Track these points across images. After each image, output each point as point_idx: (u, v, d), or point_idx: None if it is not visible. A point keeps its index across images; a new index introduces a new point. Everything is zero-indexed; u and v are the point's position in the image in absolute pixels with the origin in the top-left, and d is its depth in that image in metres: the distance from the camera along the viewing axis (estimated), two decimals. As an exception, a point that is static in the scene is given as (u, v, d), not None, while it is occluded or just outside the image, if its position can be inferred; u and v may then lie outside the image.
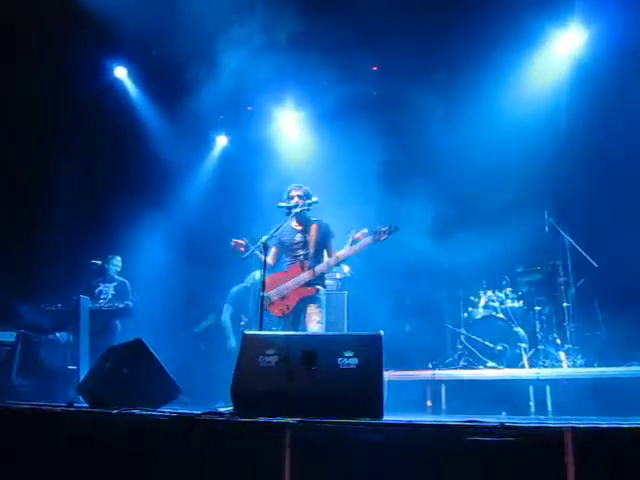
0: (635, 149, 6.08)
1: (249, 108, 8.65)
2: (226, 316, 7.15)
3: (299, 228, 5.41)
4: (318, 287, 5.22)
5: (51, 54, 7.07)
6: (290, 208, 4.95)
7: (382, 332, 3.46)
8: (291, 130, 8.58)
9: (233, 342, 6.93)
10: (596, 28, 6.73)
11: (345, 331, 6.39)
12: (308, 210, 4.97)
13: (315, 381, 3.33)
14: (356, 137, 7.81)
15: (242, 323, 6.94)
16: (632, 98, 6.33)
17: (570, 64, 6.99)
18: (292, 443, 2.94)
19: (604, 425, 2.43)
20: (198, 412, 3.38)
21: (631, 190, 6.28)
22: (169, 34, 7.12)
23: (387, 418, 3.45)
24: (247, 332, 3.66)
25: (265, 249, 4.56)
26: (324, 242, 5.34)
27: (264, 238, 4.61)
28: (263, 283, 4.50)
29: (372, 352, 3.38)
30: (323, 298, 5.23)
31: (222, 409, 3.78)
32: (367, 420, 3.07)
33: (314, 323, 4.92)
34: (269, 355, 3.47)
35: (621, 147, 6.41)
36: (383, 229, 5.12)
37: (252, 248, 4.80)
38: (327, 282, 5.58)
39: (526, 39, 7.02)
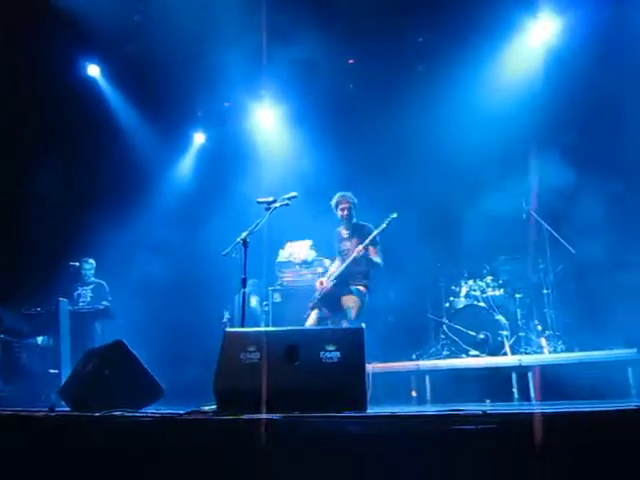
0: (607, 136, 6.15)
1: (227, 104, 8.59)
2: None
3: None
4: None
5: (22, 52, 6.94)
6: (269, 204, 4.92)
7: (364, 325, 3.47)
8: (269, 125, 8.53)
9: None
10: (568, 17, 6.79)
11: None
12: (287, 206, 4.95)
13: (298, 376, 3.33)
14: (334, 131, 7.83)
15: (224, 320, 6.91)
16: (602, 86, 6.40)
17: (544, 53, 7.03)
18: (276, 439, 2.93)
19: (585, 409, 2.46)
20: (181, 412, 3.36)
21: (606, 178, 6.35)
22: (143, 31, 7.04)
23: (371, 410, 3.46)
24: (228, 329, 3.65)
25: (245, 245, 4.53)
26: None
27: (244, 234, 4.59)
28: (244, 280, 4.48)
29: (354, 345, 3.39)
30: None
31: (206, 407, 3.77)
32: (351, 413, 3.08)
33: None
34: (251, 352, 3.46)
35: (595, 136, 6.48)
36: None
37: (232, 245, 4.77)
38: (308, 276, 5.69)
39: (501, 28, 7.06)
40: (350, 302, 5.85)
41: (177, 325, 7.61)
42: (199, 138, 9.07)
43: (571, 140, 6.70)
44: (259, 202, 5.01)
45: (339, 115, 7.95)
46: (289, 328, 3.59)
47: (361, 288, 6.02)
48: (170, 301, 7.71)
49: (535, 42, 7.11)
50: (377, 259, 5.97)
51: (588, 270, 6.37)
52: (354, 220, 6.18)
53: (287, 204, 4.97)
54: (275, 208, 4.91)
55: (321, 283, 6.08)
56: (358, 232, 6.10)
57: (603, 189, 6.39)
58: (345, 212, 6.10)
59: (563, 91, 6.72)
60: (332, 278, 6.04)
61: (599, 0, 6.49)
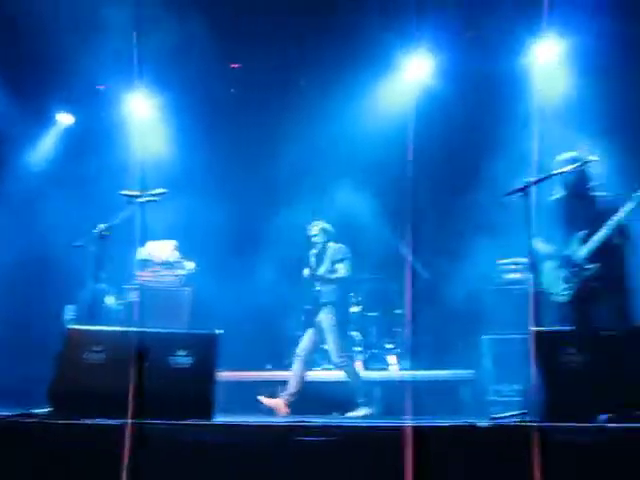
0: (472, 169, 6.67)
1: (101, 87, 8.10)
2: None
3: None
4: None
5: None
6: (134, 197, 4.68)
7: (220, 331, 3.41)
8: (144, 117, 8.15)
9: None
10: (441, 58, 7.30)
11: (186, 330, 6.20)
12: (154, 202, 4.74)
13: (145, 380, 3.18)
14: (210, 131, 7.69)
15: (69, 317, 6.43)
16: (473, 122, 6.96)
17: (418, 88, 7.48)
18: (117, 445, 2.78)
19: (424, 424, 2.61)
20: (7, 414, 3.08)
21: (464, 209, 6.87)
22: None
23: (221, 419, 3.41)
24: (71, 327, 3.40)
25: (102, 239, 4.27)
26: None
27: (101, 227, 4.32)
28: (96, 275, 4.21)
29: (207, 351, 3.33)
30: None
31: (38, 411, 3.47)
32: (196, 421, 3.01)
33: None
34: (96, 352, 3.26)
35: (460, 167, 7.00)
36: None
37: (85, 238, 4.47)
38: (168, 278, 5.47)
39: (380, 61, 7.39)
40: None
41: (11, 319, 6.93)
42: (65, 119, 8.41)
43: (437, 171, 7.16)
44: (123, 195, 4.75)
45: (217, 117, 7.83)
46: (140, 329, 3.42)
47: None
48: (7, 292, 7.02)
49: (410, 78, 7.54)
50: None
51: (438, 294, 6.81)
52: None
53: (154, 200, 4.77)
54: (140, 203, 4.68)
55: None
56: None
57: (461, 217, 6.88)
58: None
59: (433, 124, 7.20)
60: None
61: (468, 46, 7.06)
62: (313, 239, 6.00)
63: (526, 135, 6.32)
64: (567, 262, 4.36)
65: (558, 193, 4.61)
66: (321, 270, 5.85)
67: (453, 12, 6.78)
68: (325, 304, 5.78)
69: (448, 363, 6.45)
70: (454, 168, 7.07)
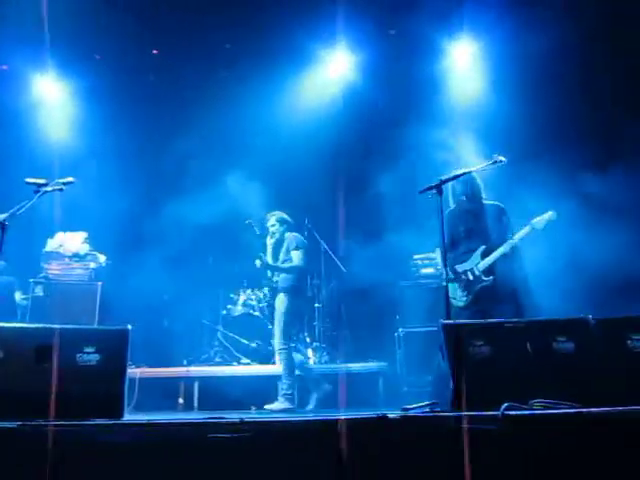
0: (388, 165, 6.82)
1: (4, 67, 7.57)
2: None
3: None
4: None
5: None
6: (39, 186, 4.41)
7: (130, 326, 3.28)
8: (53, 100, 7.70)
9: None
10: (362, 55, 7.41)
11: (95, 325, 5.95)
12: (61, 191, 4.48)
13: (48, 379, 3.01)
14: (127, 118, 7.39)
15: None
16: (391, 119, 7.09)
17: (339, 83, 7.56)
18: (13, 450, 2.62)
19: (336, 417, 2.63)
20: None
21: (382, 203, 6.99)
22: None
23: (130, 417, 3.29)
24: (-34, 324, 3.17)
25: (2, 229, 3.98)
26: None
27: (2, 216, 4.03)
28: None
29: (116, 348, 3.19)
30: None
31: None
32: (104, 420, 2.89)
33: None
34: (-8, 350, 3.05)
35: (377, 163, 7.12)
36: None
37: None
38: (78, 271, 5.21)
39: (302, 56, 7.41)
40: None
41: None
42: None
43: (356, 165, 7.25)
44: (27, 183, 4.46)
45: (134, 103, 7.53)
46: (42, 326, 3.24)
47: None
48: None
49: (332, 73, 7.60)
50: None
51: (355, 288, 6.92)
52: None
53: (61, 189, 4.51)
54: (46, 192, 4.42)
55: None
56: None
57: (380, 212, 7.01)
58: None
59: (354, 119, 7.30)
60: None
61: (387, 45, 7.22)
62: (271, 229, 5.99)
63: (442, 134, 6.57)
64: (466, 273, 4.89)
65: (452, 205, 5.04)
66: (280, 259, 5.88)
67: (375, 9, 6.90)
68: (279, 290, 5.81)
69: (365, 356, 6.57)
70: (371, 163, 7.20)
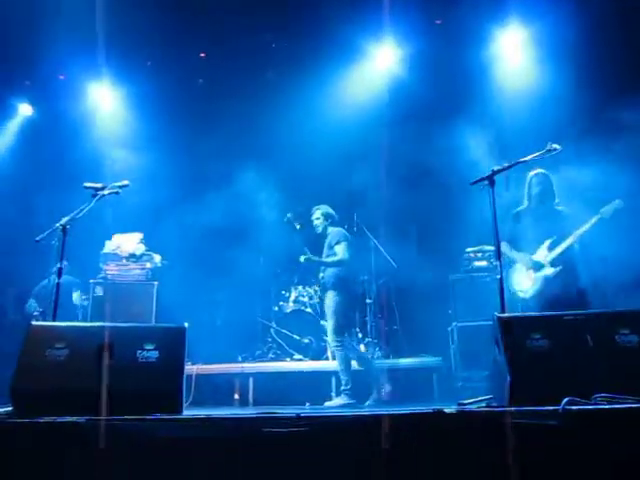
0: (441, 158, 6.73)
1: (61, 77, 7.88)
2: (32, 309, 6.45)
3: None
4: None
5: None
6: (97, 190, 4.58)
7: (187, 324, 3.36)
8: (108, 107, 7.97)
9: None
10: (408, 48, 7.32)
11: (153, 323, 6.12)
12: (117, 194, 4.64)
13: (110, 376, 3.12)
14: (178, 122, 7.56)
15: (36, 313, 6.29)
16: (441, 109, 6.98)
17: (387, 77, 7.50)
18: (81, 443, 2.72)
19: (391, 412, 2.62)
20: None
21: (432, 197, 6.91)
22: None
23: (188, 413, 3.37)
24: (34, 323, 3.31)
25: (64, 232, 4.16)
26: None
27: (64, 220, 4.21)
28: (60, 270, 4.11)
29: (174, 345, 3.27)
30: None
31: (1, 409, 3.38)
32: (164, 416, 2.96)
33: None
34: (59, 348, 3.18)
35: (430, 157, 7.04)
36: None
37: (47, 231, 4.35)
38: (135, 271, 5.38)
39: (348, 50, 7.39)
40: None
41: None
42: (25, 109, 8.17)
43: (407, 160, 7.18)
44: (86, 187, 4.64)
45: (185, 107, 7.71)
46: (104, 324, 3.36)
47: None
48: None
49: (379, 66, 7.54)
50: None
51: (407, 283, 6.86)
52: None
53: (117, 192, 4.67)
54: (103, 195, 4.58)
55: None
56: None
57: (429, 206, 6.93)
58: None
59: (403, 113, 7.22)
60: None
61: (433, 36, 7.09)
62: (315, 222, 6.00)
63: (492, 123, 6.42)
64: (535, 264, 4.88)
65: (524, 204, 5.08)
66: (324, 253, 5.88)
67: (418, 0, 6.80)
68: (327, 287, 5.78)
69: (418, 351, 6.51)
70: (422, 156, 7.11)
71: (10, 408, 3.15)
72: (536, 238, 4.93)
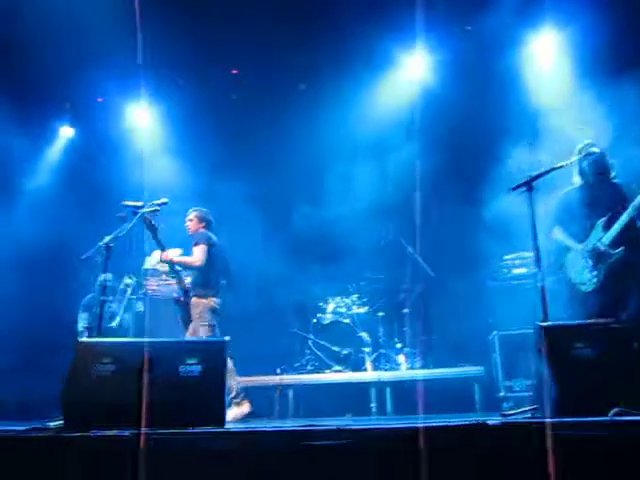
0: (475, 164, 6.67)
1: (100, 99, 8.14)
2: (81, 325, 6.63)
3: None
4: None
5: None
6: (137, 208, 4.72)
7: (228, 338, 3.41)
8: (145, 126, 8.19)
9: None
10: (440, 55, 7.30)
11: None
12: (155, 212, 4.77)
13: (154, 390, 3.20)
14: (213, 138, 7.71)
15: (80, 329, 6.46)
16: (474, 117, 6.92)
17: (418, 85, 7.47)
18: (128, 455, 2.79)
19: (430, 424, 2.60)
20: (22, 428, 3.10)
21: (469, 206, 6.84)
22: (10, 7, 6.46)
23: (232, 426, 3.41)
24: (81, 340, 3.42)
25: (107, 250, 4.29)
26: None
27: (107, 239, 4.34)
28: (104, 287, 4.24)
29: (216, 359, 3.33)
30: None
31: (51, 424, 3.50)
32: (208, 428, 3.01)
33: None
34: (105, 364, 3.27)
35: (463, 162, 6.98)
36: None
37: (92, 250, 4.50)
38: (174, 286, 5.51)
39: (379, 59, 7.40)
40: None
41: (25, 334, 6.97)
42: (66, 132, 8.46)
43: (441, 167, 7.13)
44: (126, 206, 4.79)
45: (220, 123, 7.85)
46: (147, 339, 3.44)
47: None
48: (29, 304, 7.06)
49: (410, 75, 7.53)
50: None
51: (445, 292, 6.79)
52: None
53: (156, 210, 4.80)
54: (143, 214, 4.71)
55: None
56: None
57: (465, 216, 6.86)
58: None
59: (435, 122, 7.18)
60: None
61: (465, 43, 7.04)
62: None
63: (528, 129, 6.33)
64: (591, 250, 4.46)
65: (576, 183, 4.72)
66: None
67: (450, 6, 6.76)
68: None
69: (457, 361, 6.42)
70: (457, 163, 7.06)
71: (61, 422, 3.25)
72: (593, 217, 4.49)
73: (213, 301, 5.48)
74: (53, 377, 5.98)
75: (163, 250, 5.46)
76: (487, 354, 6.13)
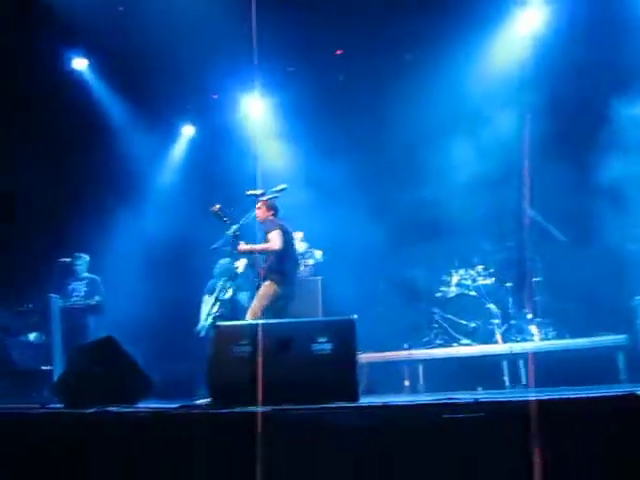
0: (595, 124, 6.17)
1: (214, 96, 8.53)
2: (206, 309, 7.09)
3: None
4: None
5: (4, 49, 6.84)
6: (258, 196, 4.92)
7: (356, 316, 3.48)
8: (259, 117, 8.47)
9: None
10: (555, 7, 6.79)
11: (320, 317, 6.39)
12: (276, 198, 4.94)
13: (290, 368, 3.35)
14: (326, 122, 7.78)
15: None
16: (588, 73, 6.42)
17: (531, 41, 7.02)
18: (269, 431, 2.94)
19: (572, 396, 2.49)
20: (175, 406, 3.37)
21: (590, 164, 6.37)
22: (129, 21, 6.94)
23: (363, 401, 3.48)
24: (220, 323, 3.65)
25: (236, 239, 4.52)
26: None
27: (234, 228, 4.57)
28: (235, 274, 4.48)
29: (346, 336, 3.41)
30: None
31: (200, 401, 3.78)
32: (343, 404, 3.10)
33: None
34: (243, 345, 3.47)
35: (588, 119, 6.49)
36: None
37: (220, 240, 4.77)
38: (300, 269, 5.66)
39: (488, 17, 7.04)
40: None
41: (167, 319, 7.57)
42: (188, 130, 9.00)
43: (559, 128, 6.69)
44: (248, 195, 5.00)
45: (330, 106, 7.89)
46: (280, 321, 3.60)
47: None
48: (160, 295, 7.67)
49: (523, 31, 7.09)
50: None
51: (577, 258, 6.39)
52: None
53: (276, 197, 4.97)
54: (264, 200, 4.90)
55: None
56: None
57: (587, 175, 6.40)
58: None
59: (550, 79, 6.73)
60: None
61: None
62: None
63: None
64: None
65: None
66: None
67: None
68: None
69: (596, 329, 6.02)
70: (581, 120, 6.56)
71: (209, 400, 3.51)
72: None
73: (282, 288, 5.46)
74: (186, 360, 6.55)
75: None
76: (630, 321, 5.70)
